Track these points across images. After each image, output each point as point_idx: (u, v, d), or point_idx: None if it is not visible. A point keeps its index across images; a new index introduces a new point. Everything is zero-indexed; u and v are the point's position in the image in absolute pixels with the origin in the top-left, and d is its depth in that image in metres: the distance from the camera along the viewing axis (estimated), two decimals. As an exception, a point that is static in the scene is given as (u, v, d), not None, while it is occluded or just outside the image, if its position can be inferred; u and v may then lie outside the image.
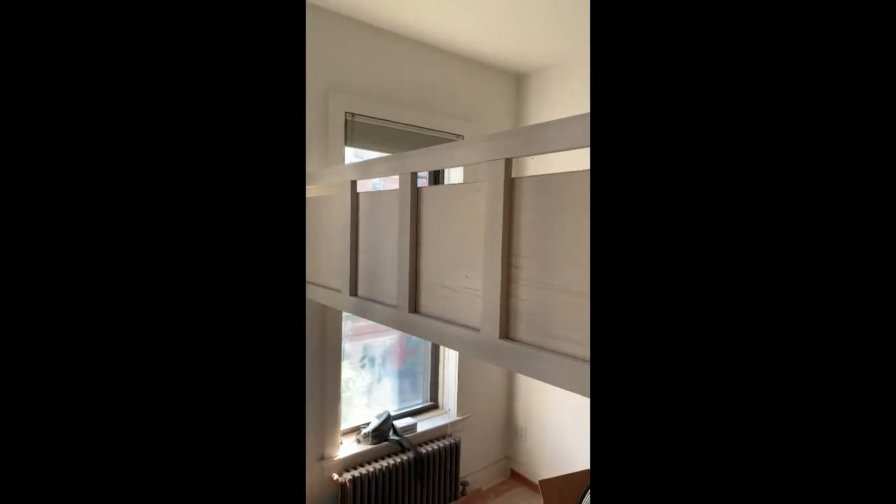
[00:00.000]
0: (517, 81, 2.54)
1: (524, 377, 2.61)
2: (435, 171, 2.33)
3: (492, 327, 0.86)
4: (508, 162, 0.84)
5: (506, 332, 0.85)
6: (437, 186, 1.09)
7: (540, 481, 1.81)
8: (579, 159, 0.90)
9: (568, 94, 2.30)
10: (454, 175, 2.36)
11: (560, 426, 2.42)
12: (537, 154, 0.81)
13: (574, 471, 1.89)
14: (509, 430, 2.71)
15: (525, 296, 0.82)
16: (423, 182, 2.32)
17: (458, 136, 2.29)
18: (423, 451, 2.16)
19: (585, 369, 0.71)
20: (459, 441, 2.30)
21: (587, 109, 0.73)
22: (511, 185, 0.84)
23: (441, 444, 2.23)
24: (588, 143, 0.71)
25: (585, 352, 0.72)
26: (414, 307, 1.10)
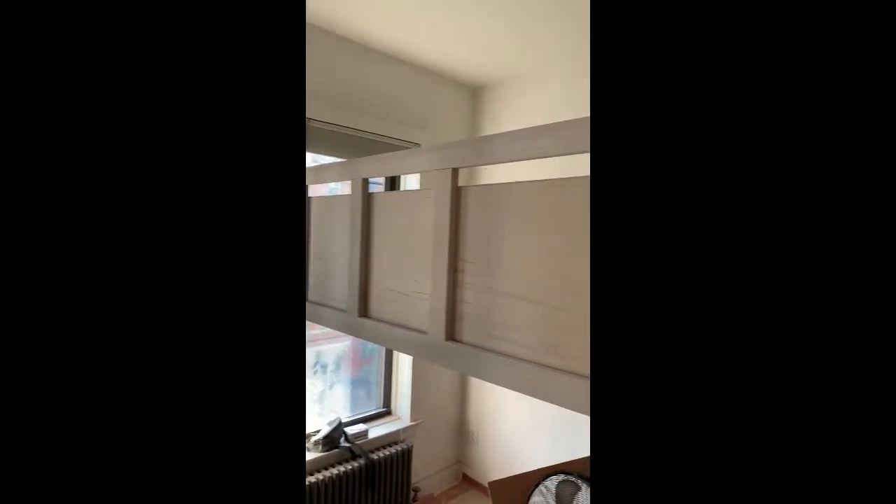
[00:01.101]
0: (473, 93, 2.61)
1: (477, 382, 2.66)
2: (391, 178, 2.35)
3: (438, 330, 0.89)
4: (455, 171, 0.88)
5: (451, 335, 0.88)
6: (387, 193, 1.12)
7: (489, 483, 1.85)
8: (529, 170, 0.95)
9: (522, 109, 2.39)
10: (411, 181, 2.39)
11: (511, 429, 2.48)
12: (482, 165, 0.85)
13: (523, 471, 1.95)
14: (461, 434, 2.75)
15: (469, 299, 0.86)
16: (379, 188, 2.34)
17: (415, 144, 2.33)
18: (375, 457, 2.15)
19: (525, 368, 0.75)
20: (411, 447, 2.31)
21: (541, 123, 0.78)
22: (457, 194, 0.88)
23: (393, 451, 2.23)
24: (530, 155, 0.77)
25: (525, 351, 0.76)
26: (364, 311, 1.11)
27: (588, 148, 0.69)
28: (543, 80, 2.28)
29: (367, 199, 1.10)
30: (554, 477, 1.89)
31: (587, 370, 0.68)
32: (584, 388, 0.67)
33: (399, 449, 2.25)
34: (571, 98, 2.15)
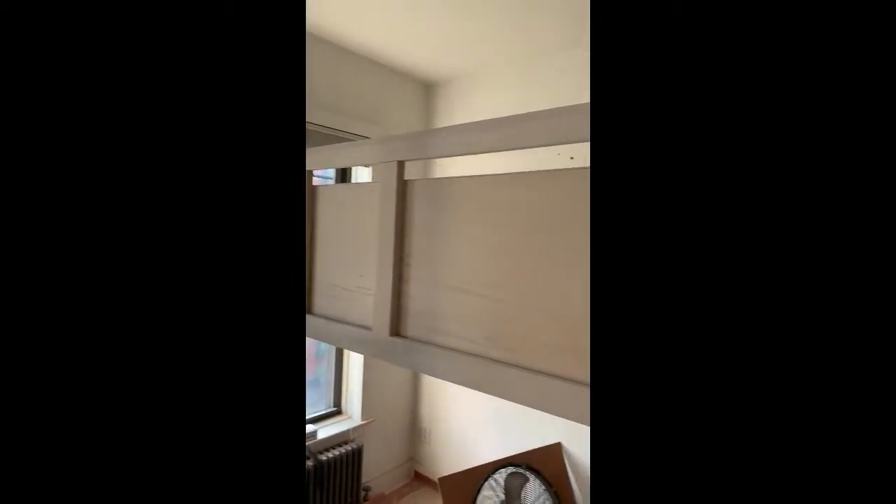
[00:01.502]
0: (426, 89, 2.60)
1: (429, 379, 2.66)
2: (342, 171, 2.30)
3: (382, 325, 0.88)
4: (401, 164, 0.86)
5: (396, 330, 0.87)
6: (332, 185, 1.09)
7: (439, 479, 1.85)
8: (484, 164, 0.95)
9: (475, 106, 2.40)
10: (363, 174, 2.35)
11: (462, 425, 2.50)
12: (427, 158, 0.84)
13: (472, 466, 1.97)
14: (413, 432, 2.74)
15: (415, 293, 0.85)
16: (330, 182, 2.28)
17: (366, 138, 2.29)
18: (324, 458, 2.10)
19: (469, 361, 0.75)
20: (362, 446, 2.28)
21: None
22: (403, 187, 0.86)
23: (342, 451, 2.19)
24: (474, 150, 0.77)
25: (469, 345, 0.77)
26: (308, 308, 1.08)
27: (529, 144, 0.70)
28: (496, 78, 2.31)
29: (311, 192, 1.07)
30: (503, 470, 1.93)
31: (531, 363, 0.69)
32: (528, 380, 0.68)
33: (349, 449, 2.21)
34: (524, 97, 2.19)
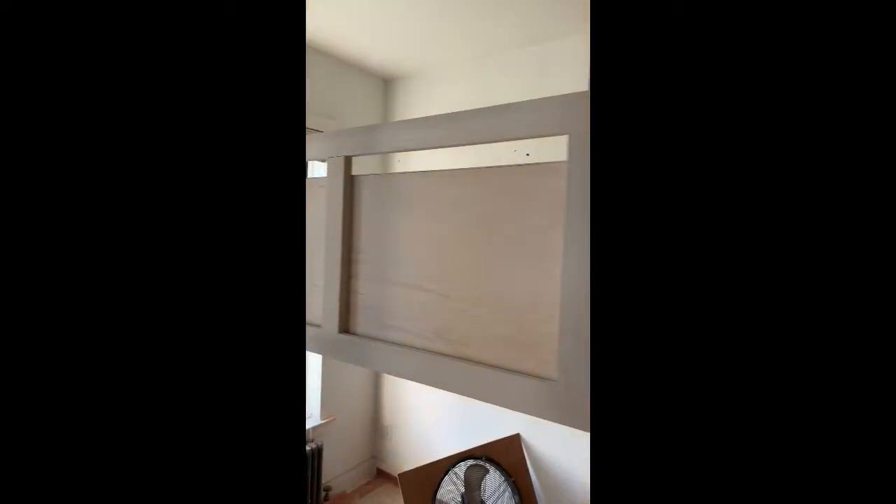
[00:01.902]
0: (385, 85, 2.57)
1: (390, 376, 2.65)
2: (298, 167, 2.25)
3: (332, 322, 0.86)
4: (348, 160, 0.85)
5: (345, 327, 0.86)
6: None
7: (399, 475, 1.85)
8: (438, 160, 0.95)
9: (433, 102, 2.40)
10: (320, 170, 2.30)
11: (425, 420, 2.51)
12: (375, 153, 0.84)
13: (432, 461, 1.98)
14: (375, 429, 2.72)
15: (364, 290, 0.84)
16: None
17: (321, 132, 2.24)
18: (282, 460, 2.06)
19: (417, 356, 0.75)
20: (321, 446, 2.24)
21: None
22: (351, 183, 0.85)
23: (301, 451, 2.15)
24: (421, 145, 0.77)
25: (418, 340, 0.77)
26: (257, 306, 1.05)
27: (479, 140, 0.71)
28: (456, 74, 2.31)
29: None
30: (463, 463, 1.95)
31: (481, 356, 0.70)
32: (478, 374, 0.69)
33: (308, 449, 2.18)
34: (484, 93, 2.20)
